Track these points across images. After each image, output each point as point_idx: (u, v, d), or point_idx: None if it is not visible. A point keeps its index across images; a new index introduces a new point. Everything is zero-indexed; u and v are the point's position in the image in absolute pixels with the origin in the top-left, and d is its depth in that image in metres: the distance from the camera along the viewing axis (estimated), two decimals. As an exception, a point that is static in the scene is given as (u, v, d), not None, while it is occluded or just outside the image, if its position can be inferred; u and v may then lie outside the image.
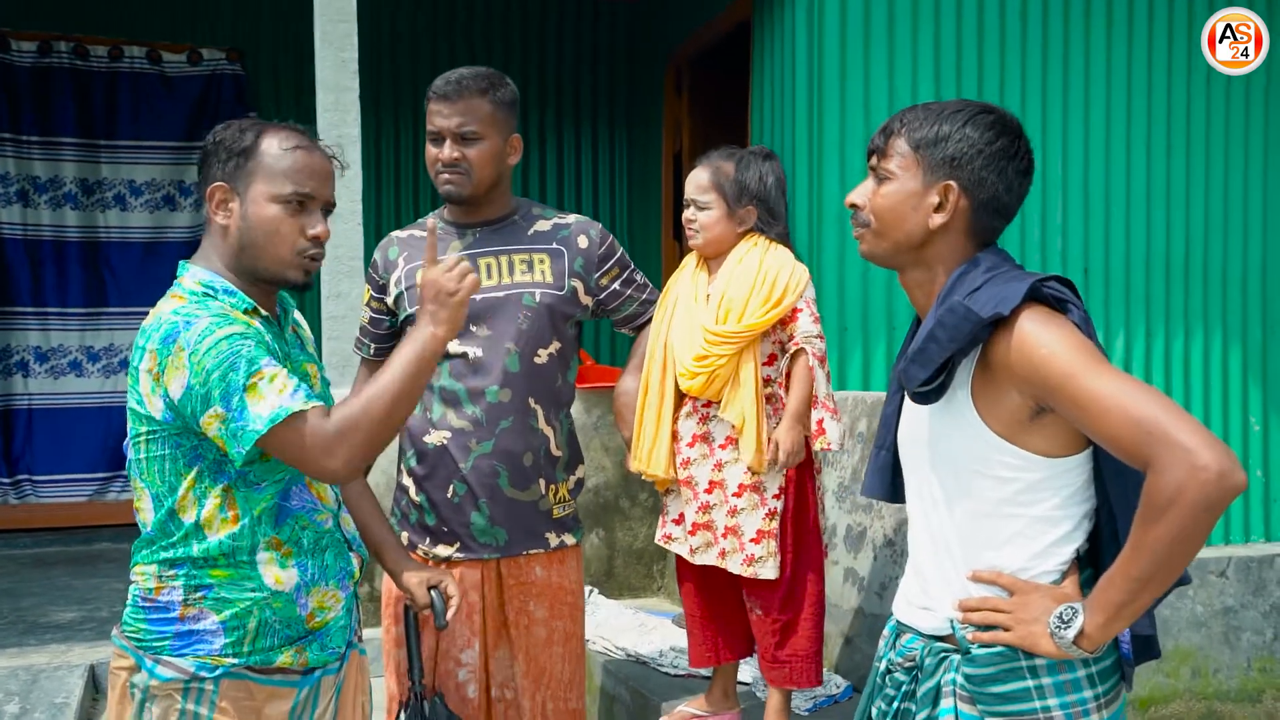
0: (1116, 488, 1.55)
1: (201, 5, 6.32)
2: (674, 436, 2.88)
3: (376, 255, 2.69)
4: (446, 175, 2.54)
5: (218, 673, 1.82)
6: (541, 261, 2.59)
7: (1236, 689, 4.10)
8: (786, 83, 4.29)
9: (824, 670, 3.41)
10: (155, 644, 1.83)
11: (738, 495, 2.79)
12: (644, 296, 2.78)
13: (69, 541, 5.71)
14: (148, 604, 1.85)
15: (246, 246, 1.87)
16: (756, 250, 2.85)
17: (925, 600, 1.68)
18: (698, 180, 2.88)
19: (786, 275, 2.80)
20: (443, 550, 2.55)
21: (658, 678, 3.45)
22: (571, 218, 2.69)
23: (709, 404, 2.84)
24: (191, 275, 1.89)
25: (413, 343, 1.86)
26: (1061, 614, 1.50)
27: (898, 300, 4.04)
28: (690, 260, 2.99)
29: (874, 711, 1.74)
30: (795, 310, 2.80)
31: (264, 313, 1.90)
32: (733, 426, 2.79)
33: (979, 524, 1.60)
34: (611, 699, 3.58)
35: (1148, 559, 1.41)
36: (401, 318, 2.61)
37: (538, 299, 2.55)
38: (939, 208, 1.60)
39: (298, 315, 2.09)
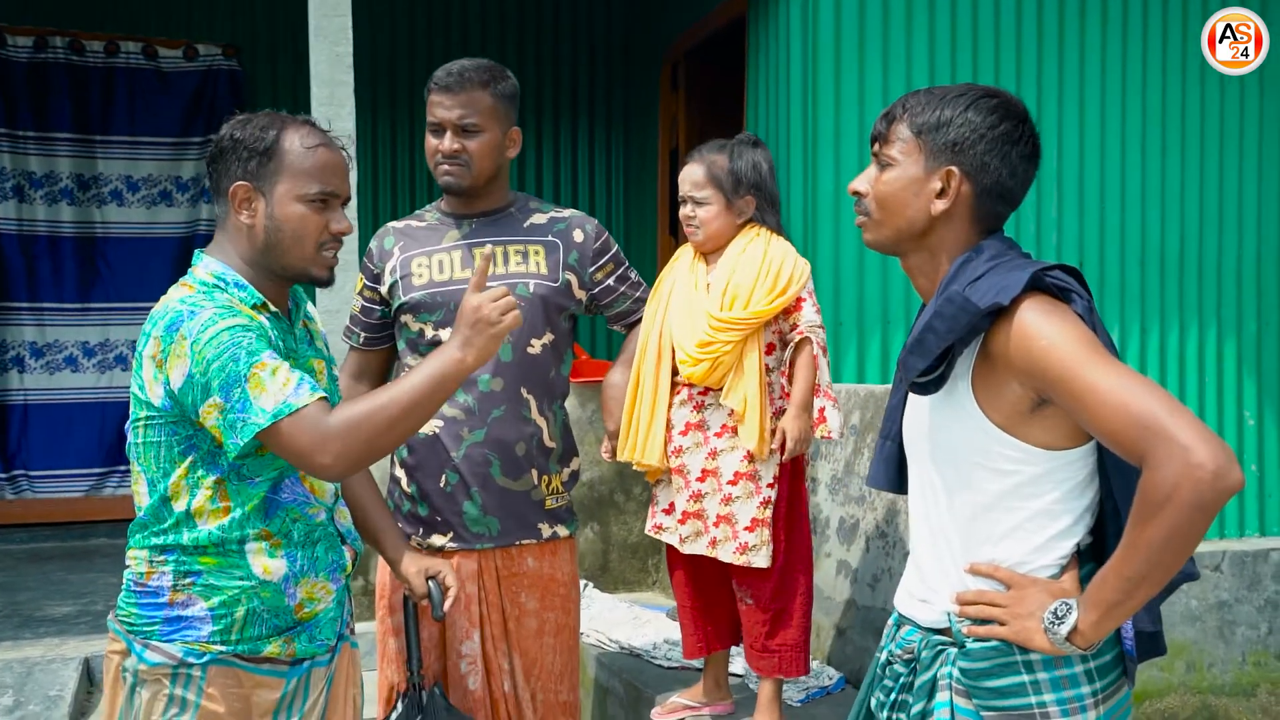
0: (1119, 482, 1.52)
1: (197, 1, 6.32)
2: (667, 425, 2.88)
3: (372, 245, 2.70)
4: (446, 167, 2.54)
5: (205, 659, 1.83)
6: (536, 253, 2.59)
7: (1231, 683, 4.10)
8: (782, 78, 4.30)
9: (815, 662, 3.42)
10: (145, 629, 1.84)
11: (733, 483, 2.79)
12: (637, 295, 2.78)
13: (65, 536, 5.71)
14: (139, 588, 1.86)
15: (273, 245, 1.88)
16: (759, 240, 2.85)
17: (923, 592, 1.67)
18: (693, 177, 2.87)
19: (790, 265, 2.81)
20: (436, 540, 2.55)
21: (651, 670, 3.46)
22: (568, 212, 2.70)
23: (704, 391, 2.83)
24: (205, 266, 1.90)
25: (437, 361, 1.85)
26: (1056, 610, 1.48)
27: (893, 293, 4.04)
28: (685, 251, 2.99)
29: (873, 702, 1.72)
30: (799, 300, 2.81)
31: (273, 308, 1.91)
32: (730, 414, 2.79)
33: (978, 516, 1.58)
34: (605, 691, 3.58)
35: (1141, 558, 1.39)
36: (394, 307, 2.61)
37: (531, 290, 2.56)
38: (941, 193, 1.58)
39: (310, 309, 2.09)
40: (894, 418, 1.77)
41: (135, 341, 6.67)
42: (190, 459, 1.82)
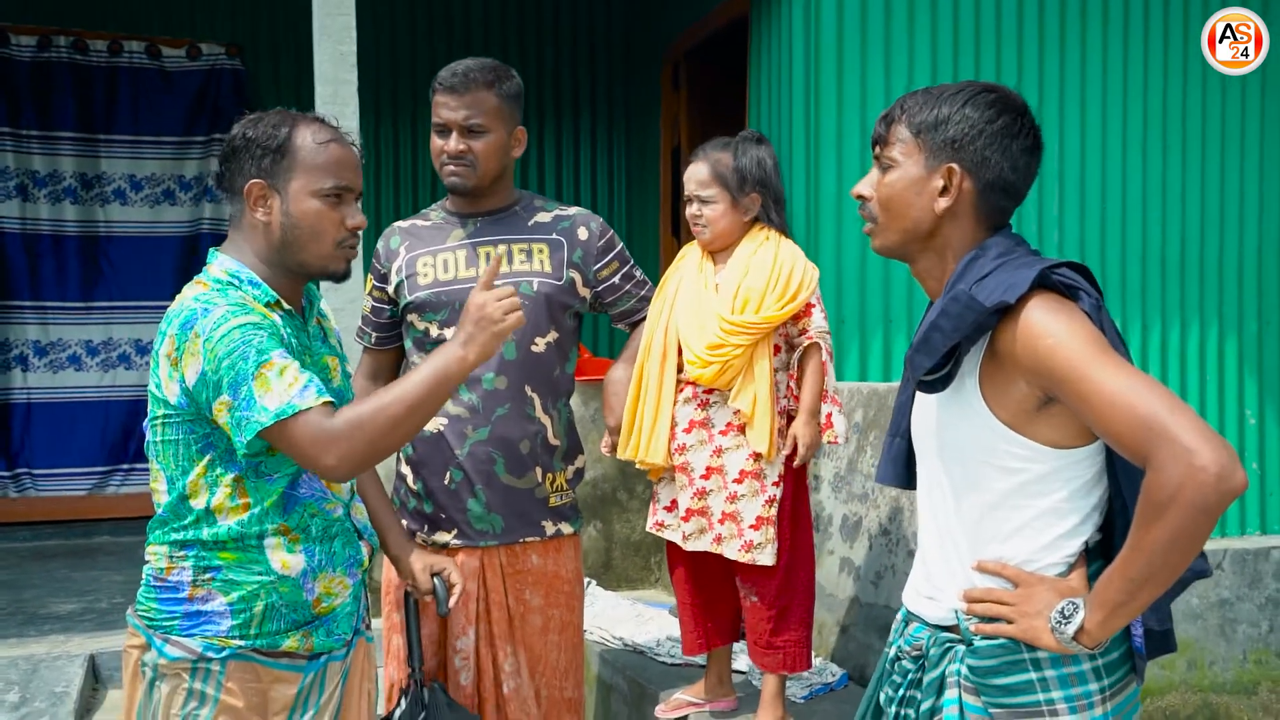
0: (1127, 481, 1.52)
1: (201, 0, 6.33)
2: (671, 423, 2.88)
3: (379, 245, 2.71)
4: (452, 167, 2.55)
5: (224, 654, 1.84)
6: (540, 251, 2.60)
7: (1232, 681, 4.11)
8: (784, 77, 4.30)
9: (818, 659, 3.43)
10: (165, 623, 1.86)
11: (738, 481, 2.80)
12: (642, 293, 2.78)
13: (68, 535, 5.73)
14: (159, 584, 1.88)
15: (290, 242, 1.90)
16: (770, 243, 2.84)
17: (931, 590, 1.66)
18: (698, 176, 2.86)
19: (801, 271, 2.81)
20: (441, 537, 2.56)
21: (654, 667, 3.47)
22: (573, 210, 2.70)
23: (709, 390, 2.84)
24: (219, 264, 1.91)
25: (439, 359, 1.87)
26: (1063, 609, 1.48)
27: (894, 292, 4.05)
28: (692, 250, 2.98)
29: (881, 697, 1.72)
30: (809, 305, 2.82)
31: (287, 306, 1.92)
32: (735, 413, 2.80)
33: (986, 515, 1.58)
34: (609, 688, 3.60)
35: (1145, 560, 1.39)
36: (402, 305, 2.62)
37: (535, 288, 2.56)
38: (944, 191, 1.57)
39: (324, 307, 2.11)
40: (902, 415, 1.77)
41: (138, 340, 6.70)
42: (209, 457, 1.84)
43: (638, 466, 2.95)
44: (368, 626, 2.10)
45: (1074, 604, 1.48)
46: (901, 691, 1.66)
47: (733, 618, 3.02)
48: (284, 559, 1.87)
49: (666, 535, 2.94)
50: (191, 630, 1.85)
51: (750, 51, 4.69)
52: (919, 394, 1.69)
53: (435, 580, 2.29)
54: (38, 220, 6.16)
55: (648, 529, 3.01)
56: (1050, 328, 1.45)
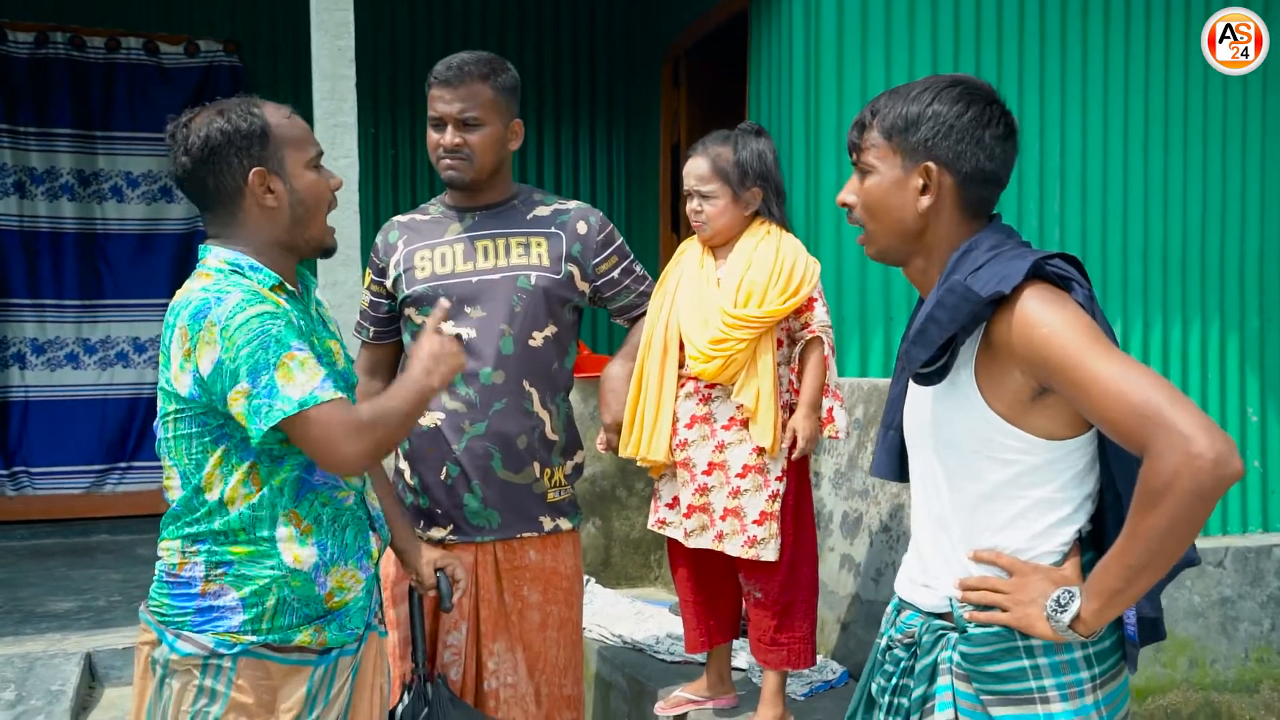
0: (1120, 470, 1.53)
1: (198, -3, 6.33)
2: (672, 419, 2.86)
3: (378, 239, 2.69)
4: (448, 161, 2.54)
5: (236, 650, 1.84)
6: (539, 245, 2.58)
7: (1234, 679, 4.09)
8: (784, 74, 4.29)
9: (820, 656, 3.41)
10: (177, 619, 1.86)
11: (741, 476, 2.78)
12: (641, 289, 2.77)
13: (66, 533, 5.71)
14: (171, 579, 1.88)
15: (300, 218, 1.93)
16: (771, 237, 2.82)
17: (925, 578, 1.67)
18: (697, 170, 2.83)
19: (803, 265, 2.79)
20: (436, 533, 2.55)
21: (654, 664, 3.45)
22: (572, 204, 2.68)
23: (711, 385, 2.82)
24: (216, 255, 1.91)
25: (412, 380, 1.95)
26: (1059, 598, 1.49)
27: (895, 289, 4.04)
28: (693, 245, 2.95)
29: (873, 688, 1.74)
30: (811, 300, 2.80)
31: (290, 288, 1.93)
32: (738, 408, 2.78)
33: (980, 505, 1.59)
34: (608, 685, 3.58)
35: (1142, 546, 1.40)
36: (400, 299, 2.60)
37: (533, 282, 2.55)
38: (924, 190, 1.59)
39: (319, 294, 2.12)
40: (896, 408, 1.79)
41: (136, 338, 6.66)
42: (223, 448, 1.84)
43: (639, 464, 2.93)
44: (380, 621, 2.10)
45: (1070, 592, 1.49)
46: (894, 680, 1.68)
47: (734, 615, 3.01)
48: (296, 553, 1.87)
49: (668, 533, 2.92)
50: (204, 626, 1.84)
51: (750, 48, 4.68)
52: (912, 387, 1.70)
53: (440, 576, 2.27)
54: (35, 218, 6.14)
55: (649, 527, 2.99)
56: (1045, 317, 1.46)
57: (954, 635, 1.60)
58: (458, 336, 2.47)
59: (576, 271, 2.61)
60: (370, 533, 2.02)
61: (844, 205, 1.69)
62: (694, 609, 2.99)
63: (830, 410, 2.81)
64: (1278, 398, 4.42)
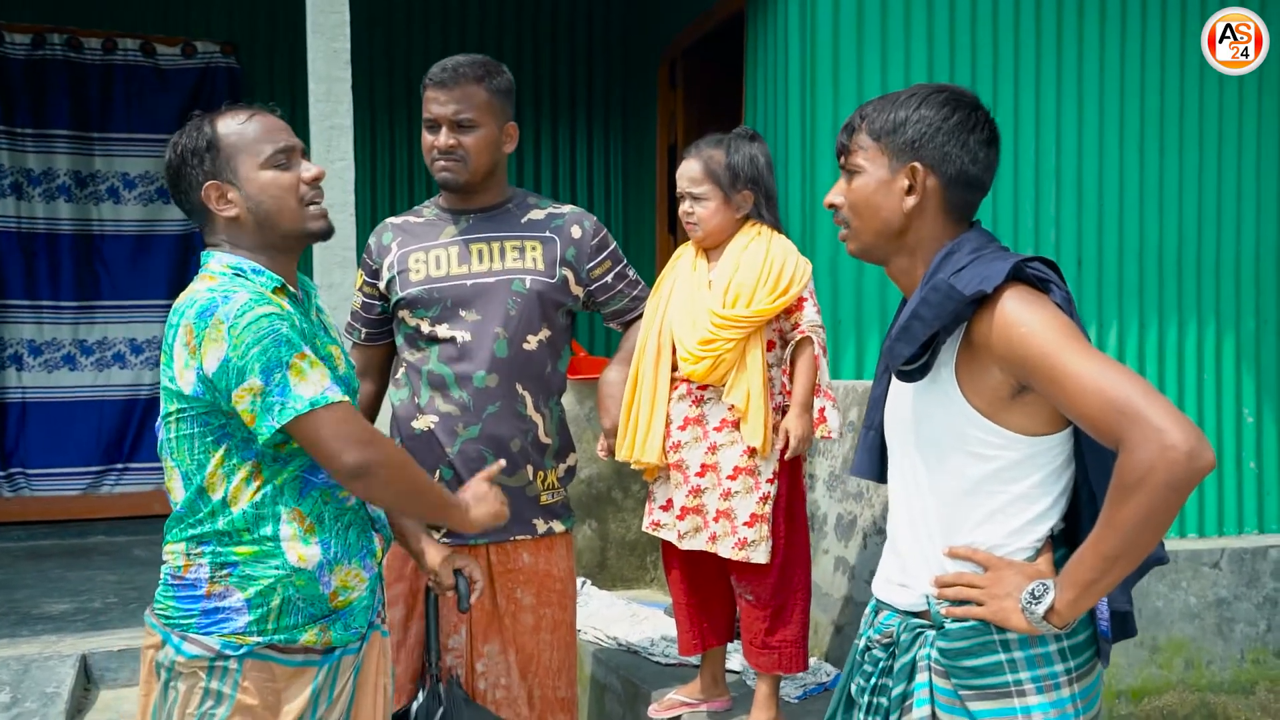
0: (1094, 464, 1.58)
1: (196, -2, 6.33)
2: (665, 422, 2.87)
3: (371, 240, 2.70)
4: (443, 163, 2.54)
5: (242, 651, 1.85)
6: (533, 249, 2.59)
7: (1229, 681, 4.09)
8: (780, 75, 4.29)
9: (813, 659, 3.41)
10: (182, 621, 1.87)
11: (732, 478, 2.78)
12: (634, 293, 2.77)
13: (63, 534, 5.71)
14: (176, 582, 1.89)
15: (263, 219, 1.93)
16: (761, 238, 2.84)
17: (902, 577, 1.71)
18: (690, 173, 2.87)
19: (793, 265, 2.80)
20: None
21: (648, 666, 3.45)
22: (566, 208, 2.69)
23: (704, 386, 2.83)
24: (218, 260, 1.93)
25: (452, 498, 2.09)
26: (1033, 590, 1.53)
27: (891, 291, 4.03)
28: (686, 249, 2.98)
29: (852, 688, 1.77)
30: (801, 300, 2.81)
31: (291, 290, 1.95)
32: (730, 409, 2.78)
33: (959, 501, 1.63)
34: (603, 688, 3.58)
35: (1118, 537, 1.44)
36: (393, 301, 2.60)
37: (528, 285, 2.55)
38: (910, 190, 1.64)
39: (320, 301, 2.13)
40: (877, 408, 1.84)
41: (133, 339, 6.67)
42: (225, 447, 1.86)
43: (633, 467, 2.93)
44: (383, 621, 2.11)
45: (1044, 585, 1.53)
46: (873, 680, 1.71)
47: (728, 618, 3.01)
48: (300, 552, 1.88)
49: (662, 535, 2.92)
50: (209, 628, 1.85)
51: (747, 49, 4.68)
52: (893, 386, 1.75)
53: (458, 577, 2.27)
54: (33, 219, 6.14)
55: (644, 528, 2.99)
56: (1024, 317, 1.51)
57: (932, 633, 1.63)
58: (450, 339, 2.48)
59: (571, 276, 2.62)
60: (373, 532, 2.03)
61: (831, 207, 1.74)
62: (687, 611, 3.00)
63: (822, 410, 2.81)
64: (1273, 399, 4.42)
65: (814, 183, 4.01)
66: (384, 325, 2.70)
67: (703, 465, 2.82)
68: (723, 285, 2.79)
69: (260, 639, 1.86)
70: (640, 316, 2.84)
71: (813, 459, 3.73)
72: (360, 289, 2.72)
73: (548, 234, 2.61)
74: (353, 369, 2.11)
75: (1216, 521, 4.34)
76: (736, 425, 2.79)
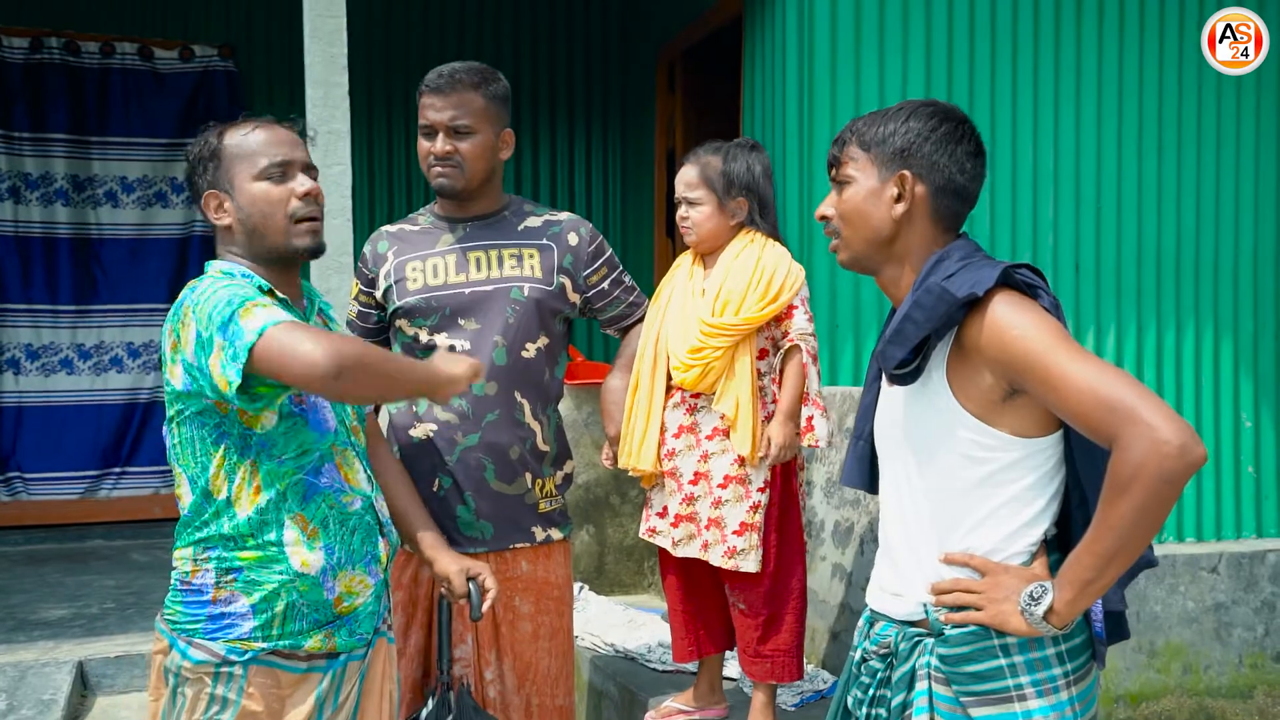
0: (1086, 465, 1.61)
1: (193, 1, 6.31)
2: (660, 429, 2.87)
3: (366, 249, 2.69)
4: (439, 169, 2.54)
5: (247, 657, 1.87)
6: (531, 256, 2.59)
7: (1228, 685, 4.09)
8: (778, 79, 4.29)
9: (810, 666, 3.41)
10: (189, 627, 1.89)
11: (723, 486, 2.79)
12: (631, 299, 2.78)
13: (61, 539, 5.70)
14: (184, 588, 1.91)
15: (251, 230, 1.96)
16: (754, 246, 2.85)
17: (897, 585, 1.72)
18: (686, 178, 2.89)
19: (784, 273, 2.81)
20: (429, 545, 2.54)
21: (645, 673, 3.45)
22: (563, 215, 2.69)
23: (697, 395, 2.84)
24: (215, 266, 1.99)
25: (425, 365, 2.00)
26: (1032, 592, 1.56)
27: (889, 299, 4.03)
28: (685, 258, 3.00)
29: (849, 701, 1.78)
30: (791, 307, 2.81)
31: (281, 294, 1.97)
32: (722, 418, 2.79)
33: (953, 505, 1.65)
34: (600, 695, 3.58)
35: (1113, 535, 1.47)
36: (390, 310, 2.60)
37: (526, 293, 2.55)
38: (899, 198, 1.68)
39: (328, 311, 2.16)
40: (866, 417, 1.86)
41: (130, 343, 6.66)
42: (224, 446, 1.88)
43: (630, 474, 2.94)
44: (389, 626, 2.11)
45: (1042, 586, 1.56)
46: (871, 692, 1.72)
47: (724, 625, 3.01)
48: (304, 557, 1.89)
49: (658, 541, 2.93)
50: (215, 633, 1.87)
51: (744, 53, 4.67)
52: (883, 394, 1.78)
53: (470, 584, 2.26)
54: (30, 223, 6.13)
55: (640, 535, 2.99)
56: (1015, 320, 1.55)
57: (930, 640, 1.65)
58: (451, 348, 2.48)
59: (568, 283, 2.62)
60: (379, 538, 2.03)
61: (823, 219, 1.77)
62: (683, 618, 3.00)
63: (810, 419, 2.81)
64: (1271, 402, 4.42)
65: (811, 189, 4.01)
66: (380, 334, 2.70)
67: (696, 473, 2.82)
68: (713, 293, 2.80)
69: (265, 645, 1.88)
70: (637, 322, 2.84)
71: (809, 466, 3.73)
72: (356, 298, 2.72)
73: (545, 241, 2.61)
74: None
75: (1214, 526, 4.34)
76: (727, 434, 2.79)
